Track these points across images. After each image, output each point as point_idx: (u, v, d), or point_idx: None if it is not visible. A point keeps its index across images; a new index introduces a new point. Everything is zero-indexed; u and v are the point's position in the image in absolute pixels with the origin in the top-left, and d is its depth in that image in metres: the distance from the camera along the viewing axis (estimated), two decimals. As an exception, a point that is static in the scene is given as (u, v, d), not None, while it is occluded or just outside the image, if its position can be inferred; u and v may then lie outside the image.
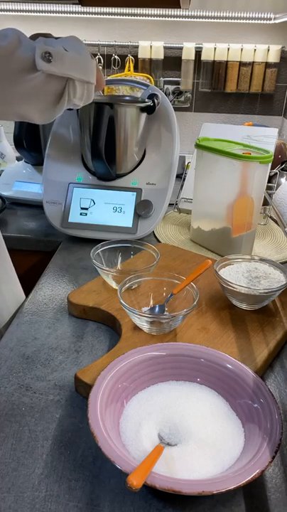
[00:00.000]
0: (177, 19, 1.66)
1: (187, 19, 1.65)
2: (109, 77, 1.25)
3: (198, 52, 1.68)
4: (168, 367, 0.57)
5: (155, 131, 1.02)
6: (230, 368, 0.55)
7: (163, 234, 1.08)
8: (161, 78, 1.72)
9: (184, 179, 1.23)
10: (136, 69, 1.70)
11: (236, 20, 1.62)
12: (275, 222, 1.17)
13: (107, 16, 1.66)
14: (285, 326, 0.70)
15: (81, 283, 0.84)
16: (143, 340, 0.64)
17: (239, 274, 0.75)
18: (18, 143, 1.20)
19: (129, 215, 0.99)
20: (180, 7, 1.01)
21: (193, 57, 1.68)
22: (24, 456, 0.49)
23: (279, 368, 0.64)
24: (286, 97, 1.76)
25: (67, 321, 0.73)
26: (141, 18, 1.65)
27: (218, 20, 1.63)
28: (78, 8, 1.58)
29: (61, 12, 1.60)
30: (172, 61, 1.71)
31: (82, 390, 0.57)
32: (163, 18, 1.65)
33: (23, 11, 1.60)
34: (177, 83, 1.72)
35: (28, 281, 0.88)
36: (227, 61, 1.66)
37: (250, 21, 1.62)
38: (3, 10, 1.60)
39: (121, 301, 0.64)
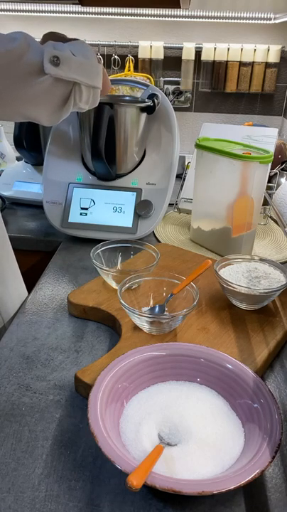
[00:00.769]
0: (177, 19, 1.66)
1: (187, 19, 1.65)
2: (109, 77, 1.24)
3: (198, 52, 1.67)
4: (168, 367, 0.57)
5: (155, 131, 1.03)
6: (230, 368, 0.55)
7: (163, 234, 1.08)
8: (161, 78, 1.72)
9: (184, 179, 1.23)
10: (136, 69, 1.70)
11: (236, 20, 1.62)
12: (275, 222, 1.17)
13: (107, 16, 1.66)
14: (285, 326, 0.70)
15: (81, 283, 0.84)
16: (143, 340, 0.64)
17: (239, 274, 0.75)
18: (18, 143, 1.20)
19: (129, 215, 0.99)
20: (180, 7, 1.01)
21: (193, 57, 1.67)
22: (24, 456, 0.49)
23: (279, 368, 0.64)
24: (286, 97, 1.76)
25: (67, 321, 0.73)
26: (141, 18, 1.64)
27: (218, 20, 1.63)
28: (78, 8, 1.58)
29: (61, 12, 1.60)
30: (172, 61, 1.71)
31: (82, 390, 0.57)
32: (163, 18, 1.65)
33: (23, 10, 1.59)
34: (177, 83, 1.72)
35: (28, 281, 0.88)
36: (227, 61, 1.66)
37: (250, 21, 1.62)
38: (4, 10, 1.60)
39: (121, 301, 0.64)
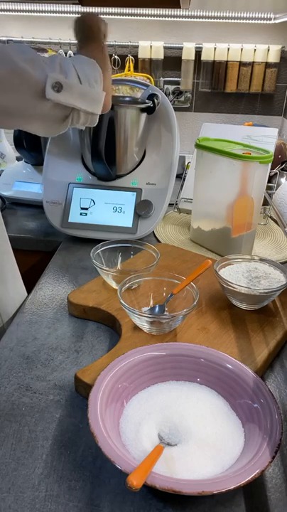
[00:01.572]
0: (177, 19, 1.65)
1: (187, 19, 1.65)
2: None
3: (198, 52, 1.67)
4: (168, 367, 0.57)
5: (155, 131, 1.02)
6: (230, 368, 0.55)
7: (163, 234, 1.08)
8: (161, 78, 1.72)
9: (184, 179, 1.23)
10: (136, 69, 1.70)
11: (236, 20, 1.62)
12: (275, 222, 1.17)
13: (107, 16, 1.65)
14: (285, 326, 0.70)
15: (81, 283, 0.84)
16: (143, 340, 0.64)
17: (239, 274, 0.75)
18: (18, 143, 1.20)
19: (129, 215, 0.99)
20: (180, 7, 1.00)
21: (193, 57, 1.67)
22: (24, 456, 0.49)
23: (279, 368, 0.64)
24: (286, 97, 1.76)
25: (67, 321, 0.73)
26: (141, 18, 1.64)
27: (218, 20, 1.63)
28: (78, 8, 1.57)
29: (61, 12, 1.60)
30: (172, 61, 1.71)
31: (82, 390, 0.57)
32: (163, 18, 1.65)
33: (23, 10, 1.59)
34: (177, 83, 1.72)
35: (28, 281, 0.88)
36: (227, 61, 1.66)
37: (250, 21, 1.62)
38: (3, 10, 1.60)
39: (121, 301, 0.64)
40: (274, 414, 0.48)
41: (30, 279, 0.88)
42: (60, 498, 0.45)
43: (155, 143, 1.03)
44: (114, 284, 0.77)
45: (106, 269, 0.76)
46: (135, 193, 1.00)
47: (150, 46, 1.67)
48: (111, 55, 1.69)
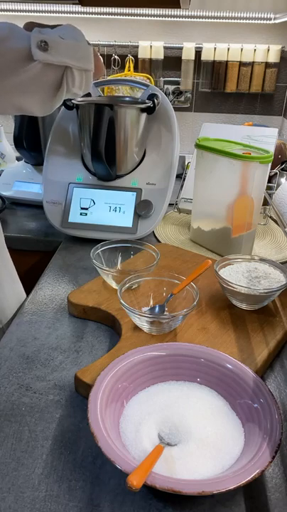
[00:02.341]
0: (177, 19, 1.66)
1: (187, 19, 1.65)
2: (109, 77, 1.25)
3: (198, 52, 1.68)
4: (168, 367, 0.57)
5: (155, 131, 1.02)
6: (230, 368, 0.55)
7: (163, 234, 1.08)
8: (161, 78, 1.72)
9: (184, 179, 1.23)
10: (136, 69, 1.70)
11: (236, 20, 1.62)
12: (275, 222, 1.17)
13: (107, 16, 1.66)
14: (285, 326, 0.70)
15: (81, 283, 0.84)
16: (143, 340, 0.64)
17: (239, 274, 0.75)
18: (18, 143, 1.20)
19: (129, 215, 0.99)
20: (180, 7, 1.01)
21: (193, 57, 1.67)
22: (24, 456, 0.49)
23: (279, 368, 0.64)
24: (286, 97, 1.76)
25: (67, 321, 0.73)
26: (141, 18, 1.64)
27: (218, 20, 1.63)
28: (78, 8, 1.58)
29: (61, 12, 1.60)
30: (172, 61, 1.71)
31: (82, 390, 0.57)
32: (163, 18, 1.65)
33: (23, 11, 1.59)
34: (177, 83, 1.72)
35: (28, 281, 0.88)
36: (227, 61, 1.66)
37: (250, 21, 1.62)
38: (3, 10, 1.60)
39: (121, 301, 0.64)
40: (274, 414, 0.48)
41: (30, 279, 0.88)
42: (60, 498, 0.45)
43: (155, 143, 1.03)
44: (114, 284, 0.77)
45: (106, 269, 0.76)
46: (135, 193, 1.00)
47: (150, 46, 1.67)
48: (111, 55, 1.70)
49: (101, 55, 1.68)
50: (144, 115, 0.99)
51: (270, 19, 1.59)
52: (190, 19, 1.64)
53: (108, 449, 0.43)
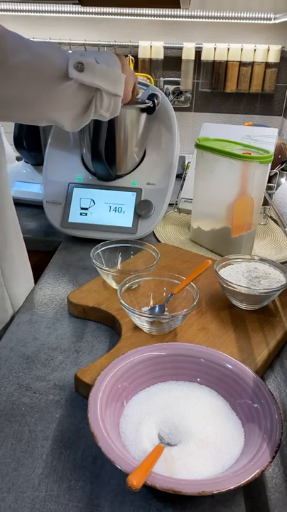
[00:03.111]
0: (177, 19, 1.66)
1: (187, 19, 1.65)
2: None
3: (198, 52, 1.67)
4: (167, 367, 0.57)
5: (155, 131, 1.02)
6: (230, 368, 0.55)
7: (163, 234, 1.08)
8: (161, 78, 1.72)
9: (184, 179, 1.23)
10: (136, 69, 1.70)
11: (236, 20, 1.62)
12: (275, 222, 1.17)
13: (107, 16, 1.66)
14: (285, 326, 0.70)
15: (81, 283, 0.84)
16: (143, 340, 0.64)
17: (239, 274, 0.75)
18: (18, 143, 1.20)
19: (129, 215, 0.99)
20: (180, 7, 1.00)
21: (193, 57, 1.67)
22: (24, 456, 0.49)
23: (279, 368, 0.64)
24: (286, 97, 1.76)
25: (67, 321, 0.73)
26: (141, 18, 1.64)
27: (218, 20, 1.63)
28: (78, 8, 1.58)
29: (61, 12, 1.60)
30: (172, 61, 1.71)
31: (82, 390, 0.57)
32: (163, 18, 1.65)
33: (23, 10, 1.59)
34: (177, 83, 1.72)
35: (28, 281, 0.88)
36: (227, 61, 1.66)
37: (250, 21, 1.62)
38: (3, 10, 1.60)
39: (121, 301, 0.64)
40: (274, 414, 0.48)
41: (30, 279, 0.88)
42: (60, 498, 0.45)
43: (155, 143, 1.03)
44: (114, 284, 0.77)
45: (106, 269, 0.76)
46: (135, 193, 1.00)
47: (150, 46, 1.67)
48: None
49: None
50: (144, 115, 0.99)
51: (270, 19, 1.59)
52: (190, 19, 1.64)
53: (108, 449, 0.43)
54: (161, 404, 0.52)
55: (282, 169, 1.29)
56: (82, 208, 1.01)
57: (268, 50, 1.63)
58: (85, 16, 1.65)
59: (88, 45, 1.66)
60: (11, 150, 1.46)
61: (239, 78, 1.69)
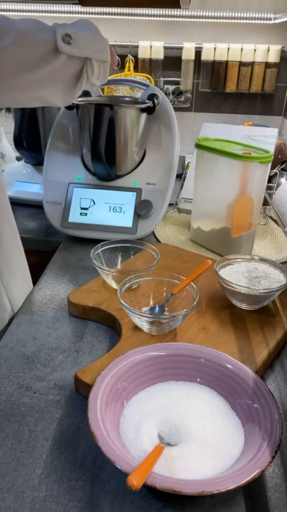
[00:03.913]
0: (177, 19, 1.66)
1: (187, 19, 1.65)
2: (109, 77, 1.24)
3: (198, 52, 1.67)
4: (168, 367, 0.57)
5: (155, 131, 1.02)
6: (230, 368, 0.55)
7: (163, 234, 1.08)
8: (161, 78, 1.72)
9: (184, 179, 1.23)
10: (136, 69, 1.70)
11: (236, 20, 1.62)
12: (275, 222, 1.17)
13: (107, 16, 1.66)
14: (285, 326, 0.70)
15: (81, 283, 0.84)
16: (143, 340, 0.64)
17: (239, 274, 0.75)
18: (18, 143, 1.20)
19: (129, 215, 0.99)
20: (180, 7, 1.01)
21: (193, 57, 1.67)
22: (24, 456, 0.49)
23: (279, 368, 0.64)
24: (286, 97, 1.76)
25: (67, 321, 0.73)
26: (141, 18, 1.64)
27: (218, 20, 1.63)
28: (78, 8, 1.57)
29: (61, 12, 1.60)
30: (172, 61, 1.71)
31: (82, 390, 0.57)
32: (163, 18, 1.65)
33: (23, 11, 1.59)
34: (177, 83, 1.72)
35: (28, 281, 0.88)
36: (227, 61, 1.66)
37: (250, 21, 1.62)
38: (3, 10, 1.60)
39: (121, 301, 0.64)
40: (274, 414, 0.48)
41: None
42: (60, 498, 0.45)
43: (155, 143, 1.03)
44: (114, 284, 0.77)
45: (106, 269, 0.76)
46: (135, 193, 1.00)
47: (150, 46, 1.67)
48: (111, 55, 1.69)
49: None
50: (144, 115, 0.99)
51: (270, 19, 1.59)
52: (190, 19, 1.64)
53: (108, 449, 0.43)
54: (161, 404, 0.52)
55: (282, 169, 1.29)
56: (82, 208, 1.01)
57: (268, 50, 1.63)
58: (85, 16, 1.65)
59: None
60: (11, 150, 1.46)
61: (239, 78, 1.69)
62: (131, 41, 1.67)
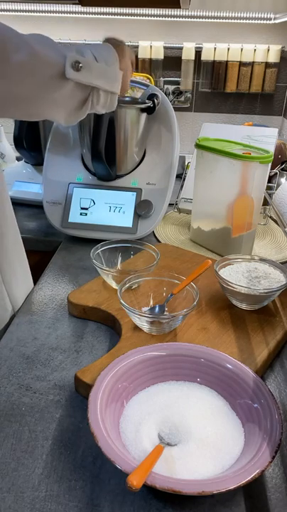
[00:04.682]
0: (177, 19, 1.66)
1: (187, 19, 1.65)
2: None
3: (198, 52, 1.67)
4: (168, 367, 0.57)
5: (155, 131, 1.02)
6: (230, 368, 0.55)
7: (163, 234, 1.08)
8: (161, 78, 1.72)
9: (184, 179, 1.23)
10: (136, 69, 1.70)
11: (236, 20, 1.62)
12: (275, 222, 1.17)
13: (107, 16, 1.66)
14: (285, 326, 0.70)
15: (81, 283, 0.84)
16: (143, 340, 0.64)
17: (239, 274, 0.75)
18: (18, 143, 1.20)
19: (129, 215, 0.99)
20: (180, 7, 1.01)
21: (193, 57, 1.67)
22: (24, 456, 0.49)
23: (279, 368, 0.64)
24: (286, 97, 1.76)
25: (67, 321, 0.73)
26: (141, 18, 1.64)
27: (218, 20, 1.63)
28: (78, 8, 1.57)
29: (61, 12, 1.60)
30: (172, 61, 1.71)
31: (82, 390, 0.57)
32: (163, 18, 1.65)
33: (23, 10, 1.59)
34: (177, 83, 1.72)
35: (28, 281, 0.88)
36: (227, 61, 1.66)
37: (250, 21, 1.62)
38: (3, 10, 1.60)
39: (121, 301, 0.64)
40: (274, 414, 0.48)
41: (30, 279, 0.88)
42: (60, 498, 0.45)
43: (155, 143, 1.03)
44: (114, 284, 0.77)
45: (106, 269, 0.76)
46: (135, 193, 1.00)
47: (150, 46, 1.67)
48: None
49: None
50: (144, 115, 0.99)
51: (270, 19, 1.59)
52: (190, 19, 1.64)
53: (108, 449, 0.43)
54: (161, 404, 0.52)
55: (282, 169, 1.29)
56: (82, 208, 1.01)
57: (268, 50, 1.63)
58: (85, 16, 1.65)
59: (88, 45, 1.66)
60: (11, 150, 1.46)
61: (239, 78, 1.69)
62: (131, 41, 1.67)
